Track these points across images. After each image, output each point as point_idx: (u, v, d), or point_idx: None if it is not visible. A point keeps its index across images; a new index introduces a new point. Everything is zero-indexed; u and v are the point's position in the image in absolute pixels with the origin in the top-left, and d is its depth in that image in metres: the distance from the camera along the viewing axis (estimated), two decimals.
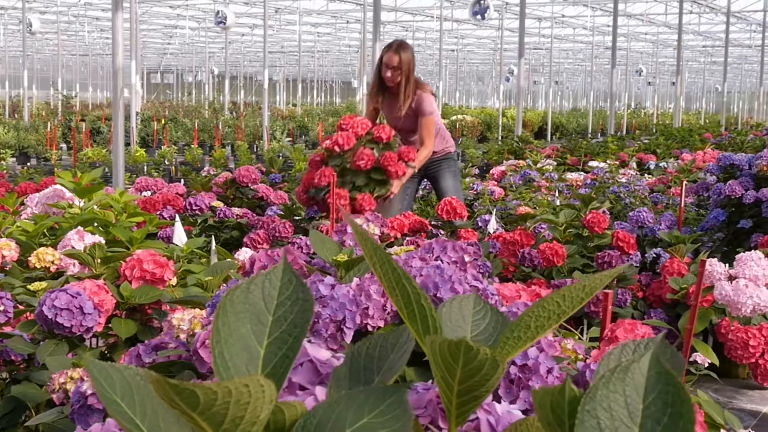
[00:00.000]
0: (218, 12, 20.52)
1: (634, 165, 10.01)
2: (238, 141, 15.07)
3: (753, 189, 4.88)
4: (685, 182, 5.01)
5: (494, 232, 4.93)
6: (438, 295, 1.46)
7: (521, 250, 4.27)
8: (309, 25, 34.07)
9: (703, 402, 2.50)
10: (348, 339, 1.39)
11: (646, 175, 8.45)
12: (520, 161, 7.69)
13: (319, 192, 5.02)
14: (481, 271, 4.05)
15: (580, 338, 2.30)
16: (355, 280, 1.46)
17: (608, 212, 5.11)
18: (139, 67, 20.34)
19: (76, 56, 39.95)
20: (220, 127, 17.54)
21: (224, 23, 20.23)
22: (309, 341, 0.91)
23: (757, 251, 2.97)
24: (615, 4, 14.67)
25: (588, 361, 1.66)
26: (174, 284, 2.71)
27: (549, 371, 1.37)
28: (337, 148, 4.98)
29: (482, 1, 17.59)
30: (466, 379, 0.68)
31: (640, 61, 42.23)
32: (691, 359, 2.88)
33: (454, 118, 24.93)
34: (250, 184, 5.91)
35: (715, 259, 3.06)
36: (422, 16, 29.59)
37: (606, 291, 2.17)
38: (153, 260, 2.64)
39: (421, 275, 1.48)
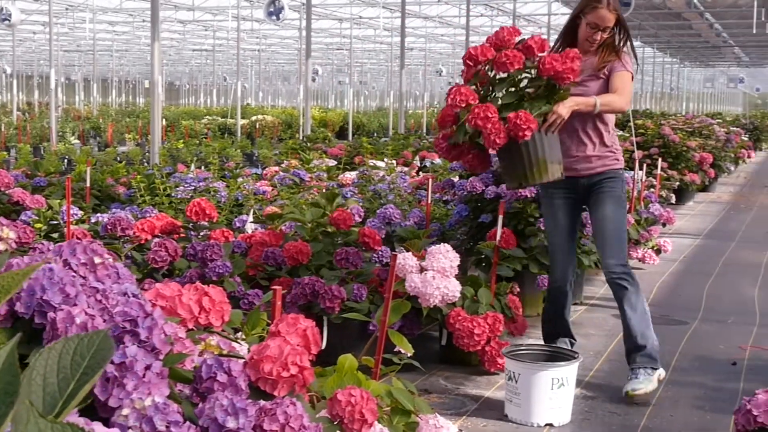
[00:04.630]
0: (2, 9, 19.61)
1: (418, 163, 10.31)
2: (21, 143, 14.46)
3: (493, 185, 5.13)
4: (431, 179, 5.22)
5: (252, 232, 4.97)
6: (45, 297, 1.46)
7: (266, 250, 4.32)
8: (106, 24, 33.05)
9: (395, 390, 2.62)
10: None
11: (420, 173, 8.71)
12: (293, 161, 7.79)
13: (461, 132, 3.62)
14: (221, 271, 4.08)
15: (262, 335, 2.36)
16: None
17: (362, 210, 5.23)
18: None
19: None
20: (3, 128, 16.76)
21: (9, 20, 19.32)
22: None
23: (446, 244, 3.14)
24: (402, 8, 15.05)
25: (206, 356, 1.71)
26: None
27: (147, 368, 1.41)
28: (469, 62, 3.69)
29: (277, 2, 17.58)
30: None
31: (441, 62, 43.38)
32: (395, 350, 3.01)
33: (254, 118, 24.86)
34: (2, 188, 5.69)
35: (408, 253, 3.21)
36: (223, 16, 29.29)
37: (275, 288, 2.25)
38: None
39: (30, 278, 1.49)
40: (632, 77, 3.98)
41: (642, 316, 3.94)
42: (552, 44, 4.10)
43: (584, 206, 4.16)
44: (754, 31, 21.53)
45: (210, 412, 1.46)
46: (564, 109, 3.64)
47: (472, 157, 3.76)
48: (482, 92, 3.74)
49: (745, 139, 18.71)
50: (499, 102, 3.62)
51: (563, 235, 4.11)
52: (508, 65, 3.60)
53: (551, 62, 3.57)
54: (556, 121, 3.63)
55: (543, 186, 4.03)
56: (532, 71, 3.70)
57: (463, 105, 3.60)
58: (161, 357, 1.52)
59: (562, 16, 28.83)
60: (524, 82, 3.73)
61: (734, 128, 17.69)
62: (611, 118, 4.03)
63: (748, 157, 17.88)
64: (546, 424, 3.54)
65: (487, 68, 3.72)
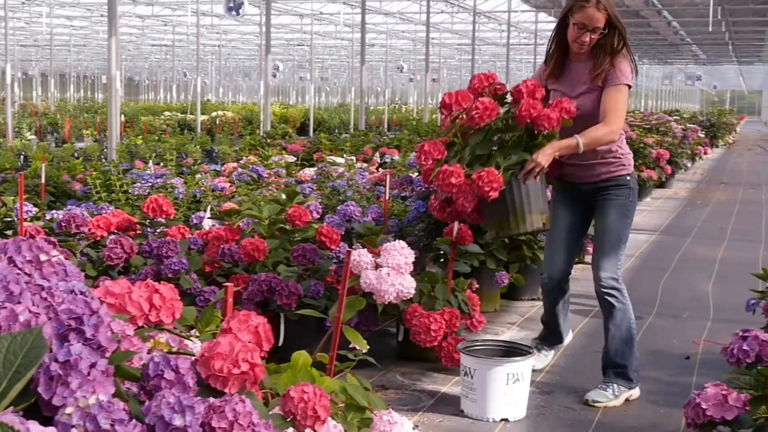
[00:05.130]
0: None
1: (378, 159, 10.30)
2: None
3: None
4: (389, 175, 5.22)
5: (209, 228, 4.93)
6: None
7: (222, 247, 4.30)
8: (63, 18, 32.65)
9: (349, 386, 2.62)
10: None
11: (380, 169, 8.71)
12: (251, 157, 7.76)
13: (440, 193, 3.58)
14: (176, 268, 4.04)
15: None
16: None
17: (320, 206, 5.22)
18: None
19: None
20: None
21: None
22: None
23: (401, 241, 3.15)
24: (363, 4, 15.04)
25: (153, 353, 1.70)
26: None
27: (92, 366, 1.39)
28: (443, 110, 3.55)
29: None
30: None
31: (402, 58, 43.40)
32: (350, 345, 3.01)
33: (214, 114, 24.72)
34: None
35: (363, 250, 3.21)
36: (182, 11, 29.10)
37: (227, 285, 2.24)
38: None
39: None
40: (629, 88, 3.73)
41: (626, 335, 3.81)
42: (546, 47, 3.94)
43: (592, 212, 3.95)
44: (710, 29, 21.80)
45: (156, 410, 1.45)
46: (543, 157, 3.45)
47: (470, 212, 3.60)
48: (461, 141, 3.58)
49: (702, 135, 18.95)
50: (476, 151, 3.45)
51: (559, 239, 3.97)
52: (477, 119, 3.43)
53: (528, 109, 3.39)
54: (535, 170, 3.46)
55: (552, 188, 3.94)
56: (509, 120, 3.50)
57: (430, 162, 3.48)
58: (107, 355, 1.51)
59: (522, 13, 29.00)
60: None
61: (691, 125, 17.92)
62: (619, 110, 3.72)
63: (705, 153, 18.12)
64: (501, 419, 3.56)
65: (464, 115, 3.54)
